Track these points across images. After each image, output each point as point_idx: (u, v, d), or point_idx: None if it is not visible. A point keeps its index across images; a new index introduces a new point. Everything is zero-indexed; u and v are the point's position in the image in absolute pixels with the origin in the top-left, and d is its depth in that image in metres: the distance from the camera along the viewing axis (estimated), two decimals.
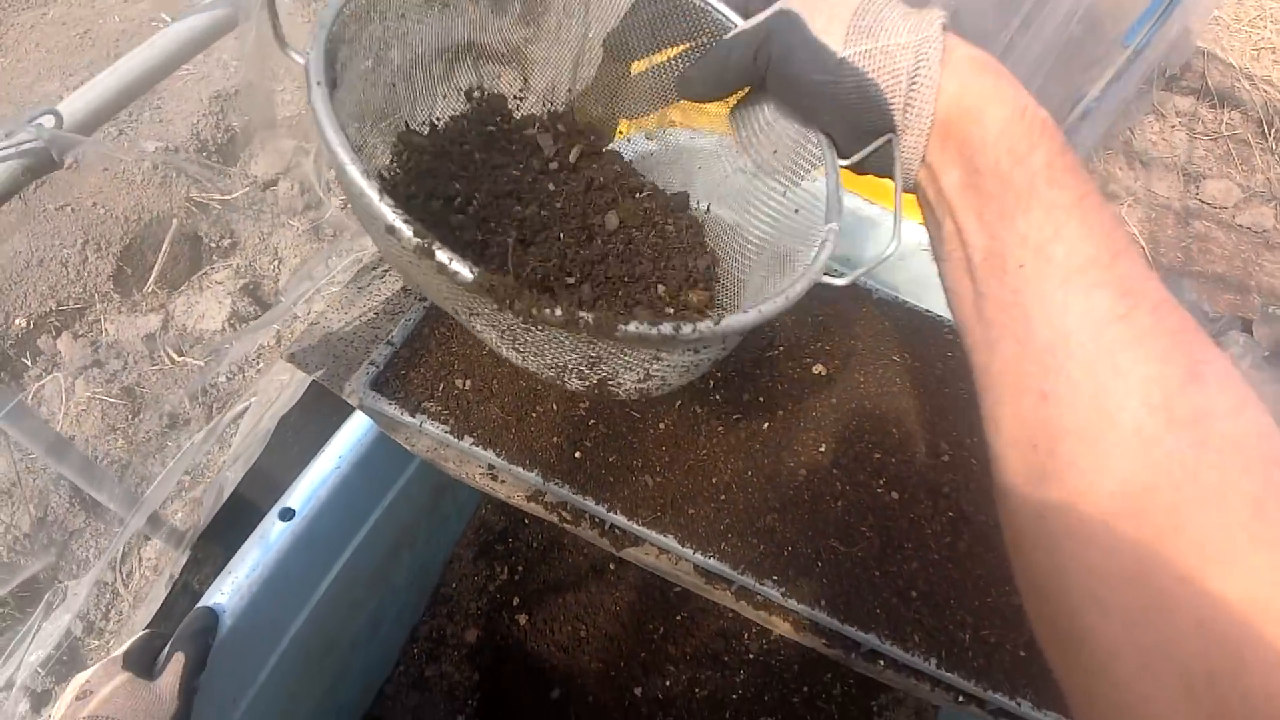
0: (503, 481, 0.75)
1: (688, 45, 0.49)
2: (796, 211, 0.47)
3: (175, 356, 1.96)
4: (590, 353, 0.38)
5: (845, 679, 1.23)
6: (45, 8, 2.56)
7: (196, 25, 0.87)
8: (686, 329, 0.35)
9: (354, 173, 0.35)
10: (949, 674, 0.67)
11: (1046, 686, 0.69)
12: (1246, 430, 0.32)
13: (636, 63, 0.51)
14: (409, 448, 0.76)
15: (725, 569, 0.69)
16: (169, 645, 0.70)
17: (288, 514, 0.82)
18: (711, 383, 0.80)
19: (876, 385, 0.85)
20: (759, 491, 0.74)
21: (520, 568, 1.28)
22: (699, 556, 0.69)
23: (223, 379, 1.97)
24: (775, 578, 0.69)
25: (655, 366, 0.39)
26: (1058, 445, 0.34)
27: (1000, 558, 0.75)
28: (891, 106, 0.39)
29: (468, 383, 0.76)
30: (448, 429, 0.73)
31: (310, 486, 0.83)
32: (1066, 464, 0.34)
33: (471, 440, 0.72)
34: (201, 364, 1.96)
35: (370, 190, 0.34)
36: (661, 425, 0.76)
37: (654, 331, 0.34)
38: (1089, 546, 0.33)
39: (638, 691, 1.20)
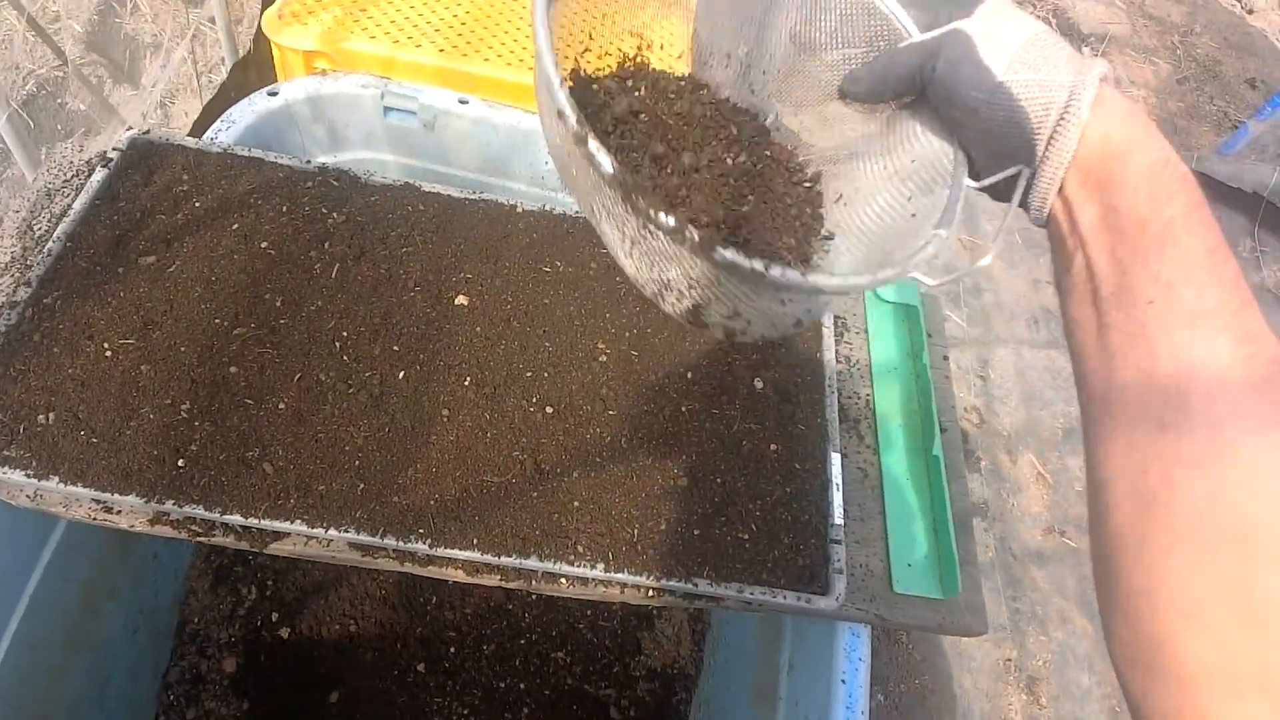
0: (119, 513, 0.66)
1: (862, 49, 0.51)
2: (913, 216, 0.48)
3: None
4: (691, 272, 0.41)
5: None
6: None
7: None
8: (775, 270, 0.37)
9: (548, 61, 0.39)
10: (619, 574, 0.66)
11: (721, 563, 0.69)
12: None
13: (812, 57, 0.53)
14: (11, 503, 0.67)
15: (366, 538, 0.64)
16: None
17: None
18: (338, 345, 0.74)
19: (527, 302, 0.81)
20: (399, 446, 0.69)
21: (270, 582, 1.19)
22: (336, 533, 0.64)
23: None
24: (421, 530, 0.65)
25: (744, 304, 0.42)
26: (1172, 471, 0.36)
27: (662, 447, 0.75)
28: (1036, 137, 0.42)
29: (50, 416, 0.66)
30: (30, 473, 0.64)
31: None
32: (1181, 490, 0.35)
33: (58, 479, 0.64)
34: None
35: (555, 75, 0.39)
36: (280, 404, 0.69)
37: (746, 264, 0.37)
38: (1192, 569, 0.34)
39: (421, 668, 1.15)
